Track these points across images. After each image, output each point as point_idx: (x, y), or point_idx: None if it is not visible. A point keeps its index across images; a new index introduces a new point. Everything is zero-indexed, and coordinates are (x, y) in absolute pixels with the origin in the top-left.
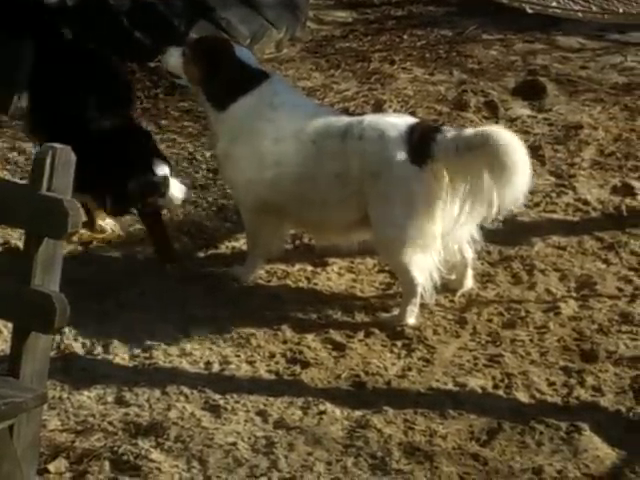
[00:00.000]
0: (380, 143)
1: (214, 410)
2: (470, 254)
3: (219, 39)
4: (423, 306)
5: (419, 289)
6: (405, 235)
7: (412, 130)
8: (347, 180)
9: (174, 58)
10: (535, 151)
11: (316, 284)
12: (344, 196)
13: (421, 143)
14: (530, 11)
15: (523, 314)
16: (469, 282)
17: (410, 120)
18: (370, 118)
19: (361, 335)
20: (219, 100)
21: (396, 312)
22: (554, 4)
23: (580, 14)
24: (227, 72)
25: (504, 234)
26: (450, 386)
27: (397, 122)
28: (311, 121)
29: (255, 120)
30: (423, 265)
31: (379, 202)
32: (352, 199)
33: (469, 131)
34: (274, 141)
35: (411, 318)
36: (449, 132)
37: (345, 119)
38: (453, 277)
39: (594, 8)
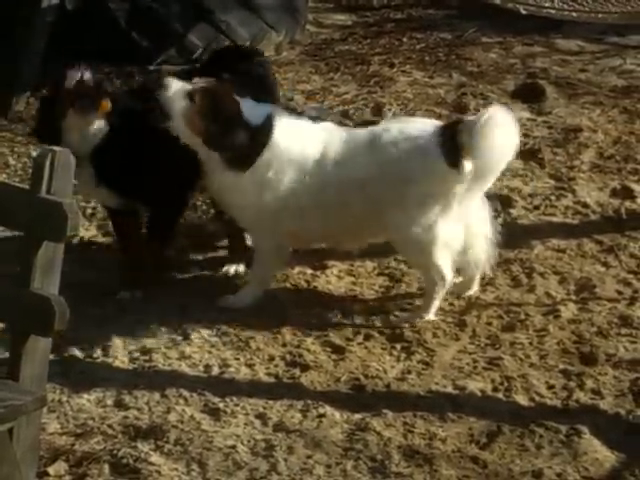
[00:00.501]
0: (416, 149)
1: (213, 413)
2: (484, 257)
3: (223, 92)
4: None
5: (446, 287)
6: (436, 236)
7: (442, 131)
8: (371, 188)
9: (178, 101)
10: (535, 154)
11: (316, 287)
12: (366, 204)
13: (450, 143)
14: (524, 12)
15: (522, 317)
16: (475, 286)
17: (434, 122)
18: (397, 125)
19: (360, 338)
20: (235, 164)
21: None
22: (548, 4)
23: (574, 14)
24: (236, 134)
25: (503, 237)
26: (449, 389)
27: (424, 126)
28: (334, 136)
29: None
30: (448, 263)
31: (410, 205)
32: (373, 205)
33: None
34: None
35: (431, 314)
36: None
37: (367, 129)
38: (460, 279)
39: (588, 8)
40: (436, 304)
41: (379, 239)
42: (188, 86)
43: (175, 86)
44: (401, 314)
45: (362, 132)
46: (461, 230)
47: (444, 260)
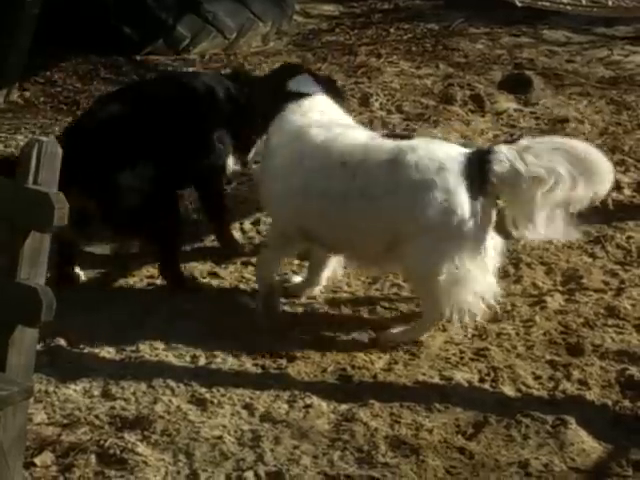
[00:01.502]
0: (440, 175)
1: (200, 403)
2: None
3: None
4: (409, 299)
5: (443, 318)
6: (448, 269)
7: (469, 162)
8: (387, 207)
9: None
10: None
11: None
12: (379, 224)
13: (479, 176)
14: (519, 4)
15: (509, 308)
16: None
17: (463, 150)
18: (424, 146)
19: (347, 329)
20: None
21: (406, 327)
22: None
23: (569, 7)
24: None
25: None
26: (436, 380)
27: (454, 153)
28: (349, 144)
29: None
30: (454, 300)
31: (427, 233)
32: (387, 228)
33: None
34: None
35: (423, 335)
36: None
37: (391, 143)
38: None
39: (583, 1)
40: (428, 330)
41: (395, 269)
42: None
43: None
44: (391, 333)
45: (388, 143)
46: (479, 268)
47: (450, 297)
